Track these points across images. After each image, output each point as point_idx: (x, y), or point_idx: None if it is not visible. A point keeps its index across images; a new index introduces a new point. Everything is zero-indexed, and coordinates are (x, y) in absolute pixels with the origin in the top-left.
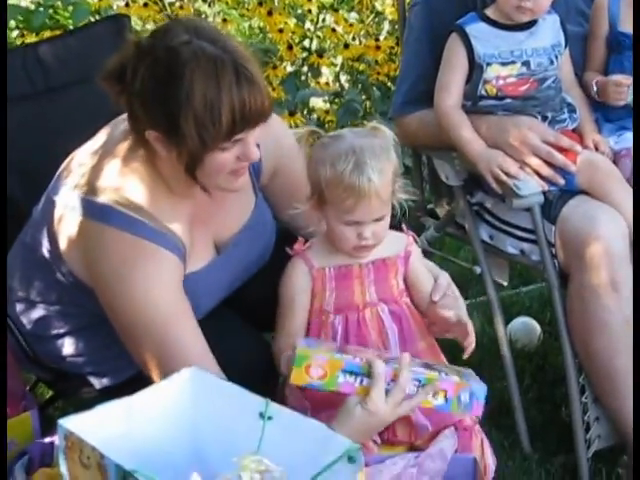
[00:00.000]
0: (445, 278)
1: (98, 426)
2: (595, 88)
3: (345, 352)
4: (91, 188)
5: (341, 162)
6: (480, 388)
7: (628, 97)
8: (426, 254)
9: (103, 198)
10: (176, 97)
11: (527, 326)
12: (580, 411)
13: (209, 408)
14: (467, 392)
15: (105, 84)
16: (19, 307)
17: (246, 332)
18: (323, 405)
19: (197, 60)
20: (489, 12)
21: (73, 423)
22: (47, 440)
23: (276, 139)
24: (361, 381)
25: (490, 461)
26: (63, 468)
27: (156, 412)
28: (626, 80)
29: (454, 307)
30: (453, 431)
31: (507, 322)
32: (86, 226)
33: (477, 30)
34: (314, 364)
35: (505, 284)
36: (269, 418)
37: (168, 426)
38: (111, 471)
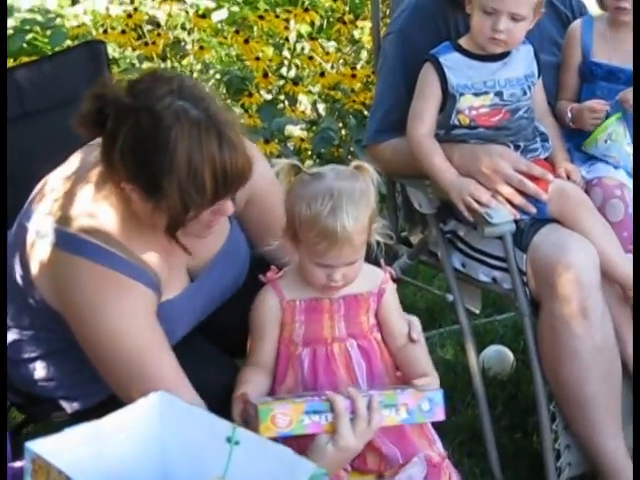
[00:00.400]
0: (417, 320)
1: (66, 449)
2: (570, 115)
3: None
4: (63, 216)
5: (317, 204)
6: (436, 393)
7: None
8: (399, 282)
9: (75, 228)
10: (159, 162)
11: (500, 354)
12: (551, 439)
13: (177, 431)
14: (425, 400)
15: (81, 130)
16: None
17: (220, 360)
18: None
19: (181, 126)
20: (463, 42)
21: (40, 446)
22: (17, 465)
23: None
24: (326, 418)
25: None
26: None
27: (125, 435)
28: (601, 106)
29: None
30: (422, 458)
31: (480, 350)
32: (57, 256)
33: (450, 60)
34: (278, 413)
35: (477, 312)
36: (236, 443)
37: (137, 448)
38: None
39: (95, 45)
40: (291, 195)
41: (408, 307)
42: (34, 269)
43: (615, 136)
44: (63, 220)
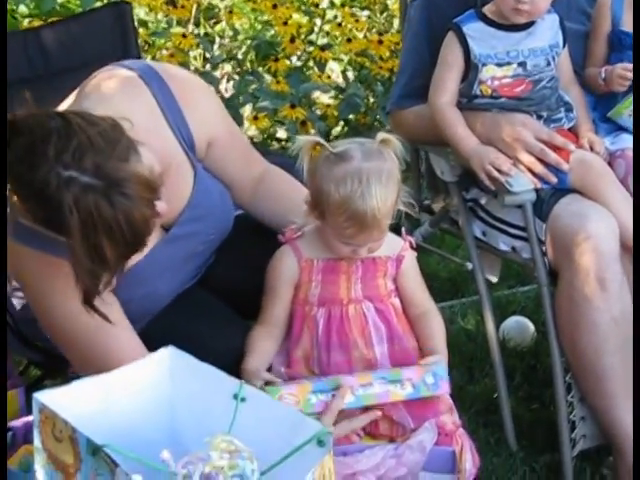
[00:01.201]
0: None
1: (74, 401)
2: (604, 75)
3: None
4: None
5: (347, 188)
6: (440, 367)
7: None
8: (420, 249)
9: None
10: (62, 237)
11: (520, 325)
12: (566, 410)
13: (186, 387)
14: (430, 374)
15: None
16: (9, 289)
17: (235, 322)
18: None
19: (70, 210)
20: (487, 10)
21: (48, 397)
22: (30, 418)
23: (205, 110)
24: (333, 396)
25: (468, 466)
26: (37, 441)
27: (133, 389)
28: (629, 72)
29: None
30: (433, 424)
31: (502, 321)
32: (11, 245)
33: (474, 29)
34: (285, 393)
35: (495, 280)
36: (242, 400)
37: (145, 404)
38: (82, 445)
39: (121, 6)
40: (317, 174)
41: (431, 276)
42: None
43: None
44: (16, 209)
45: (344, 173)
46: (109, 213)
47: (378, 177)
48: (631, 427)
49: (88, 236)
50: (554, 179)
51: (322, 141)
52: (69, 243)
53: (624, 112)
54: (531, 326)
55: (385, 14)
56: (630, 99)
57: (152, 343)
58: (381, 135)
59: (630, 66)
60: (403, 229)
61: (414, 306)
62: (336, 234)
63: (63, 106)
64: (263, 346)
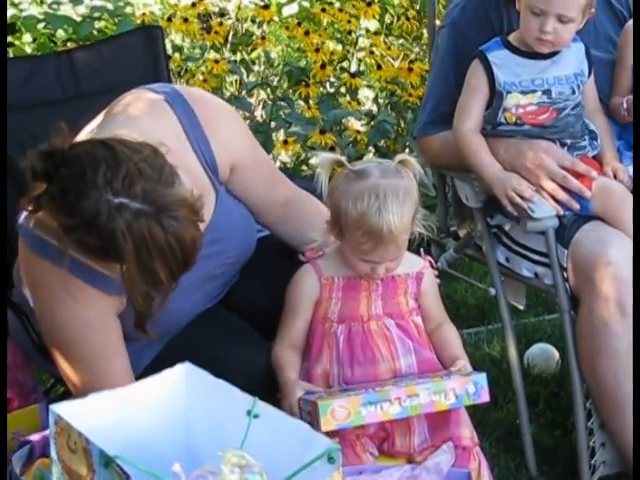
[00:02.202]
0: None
1: (90, 413)
2: (626, 105)
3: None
4: (35, 216)
5: (364, 204)
6: (481, 376)
7: None
8: (444, 275)
9: (43, 230)
10: (115, 263)
11: (545, 352)
12: (586, 436)
13: (201, 402)
14: (471, 383)
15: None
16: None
17: (257, 342)
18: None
19: (123, 234)
20: (512, 38)
21: (64, 409)
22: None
23: (228, 134)
24: (381, 407)
25: None
26: (53, 452)
27: (149, 404)
28: None
29: None
30: (451, 446)
31: (528, 348)
32: (24, 255)
33: (499, 57)
34: (337, 407)
35: (521, 307)
36: (255, 416)
37: (160, 418)
38: (95, 456)
39: (153, 30)
40: (336, 192)
41: (458, 302)
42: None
43: None
44: (35, 219)
45: (361, 189)
46: (161, 237)
47: (395, 193)
48: None
49: (142, 260)
50: (576, 206)
51: (342, 159)
52: (123, 269)
53: None
54: (556, 353)
55: (420, 42)
56: None
57: (173, 362)
58: (400, 156)
59: None
60: (422, 250)
61: (430, 321)
62: (354, 250)
63: (90, 127)
64: (293, 360)
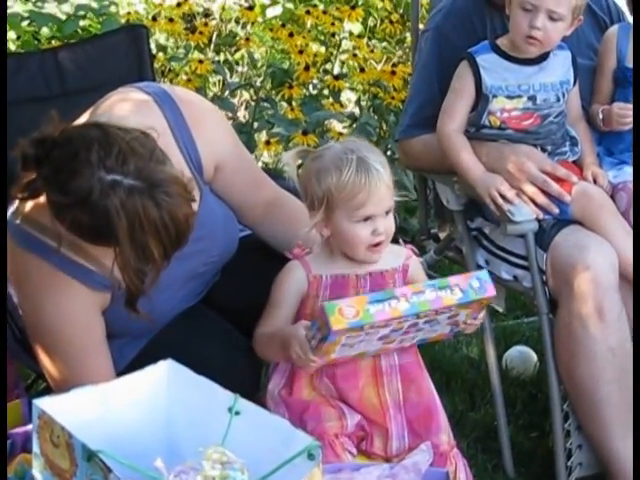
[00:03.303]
0: None
1: (73, 408)
2: (601, 116)
3: None
4: (22, 211)
5: (344, 165)
6: (482, 272)
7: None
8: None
9: (30, 224)
10: (107, 244)
11: (523, 355)
12: (562, 438)
13: (183, 399)
14: (475, 278)
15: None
16: (16, 299)
17: (237, 342)
18: (300, 412)
19: (115, 209)
20: (500, 43)
21: (47, 403)
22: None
23: (214, 134)
24: (389, 304)
25: None
26: (35, 446)
27: (132, 399)
28: (626, 111)
29: None
30: (429, 445)
31: (506, 350)
32: (12, 249)
33: (487, 61)
34: (344, 306)
35: (501, 310)
36: (237, 413)
37: (143, 414)
38: (77, 450)
39: (137, 30)
40: (312, 172)
41: None
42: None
43: None
44: (22, 215)
45: (336, 156)
46: (155, 213)
47: (365, 146)
48: (625, 456)
49: (136, 237)
50: (556, 210)
51: (303, 147)
52: (115, 245)
53: None
54: (534, 356)
55: (403, 46)
56: None
57: (153, 358)
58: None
59: (628, 105)
60: (401, 240)
61: None
62: (349, 215)
63: (77, 123)
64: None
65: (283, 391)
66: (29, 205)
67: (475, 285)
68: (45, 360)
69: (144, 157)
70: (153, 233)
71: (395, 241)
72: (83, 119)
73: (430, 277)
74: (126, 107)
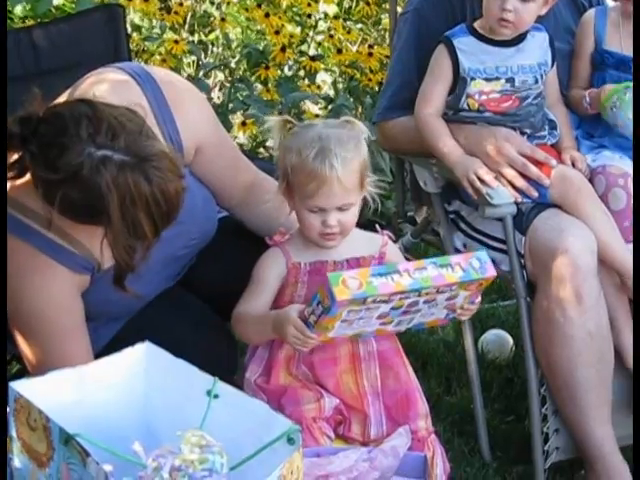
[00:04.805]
0: None
1: (49, 392)
2: (588, 99)
3: None
4: (9, 194)
5: (306, 149)
6: (481, 253)
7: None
8: None
9: (16, 208)
10: (100, 221)
11: (500, 339)
12: (540, 422)
13: (160, 382)
14: (475, 258)
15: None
16: None
17: (214, 324)
18: (278, 397)
19: (108, 188)
20: (478, 25)
21: (24, 386)
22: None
23: (195, 116)
24: (392, 278)
25: (438, 471)
26: (12, 430)
27: (109, 382)
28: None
29: None
30: (407, 430)
31: (482, 334)
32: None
33: (464, 43)
34: (347, 277)
35: None
36: (215, 396)
37: (120, 397)
38: (55, 434)
39: (113, 8)
40: (282, 146)
41: None
42: None
43: (619, 103)
44: (9, 199)
45: (305, 138)
46: (146, 188)
47: (337, 137)
48: (601, 440)
49: (126, 212)
50: (535, 193)
51: (290, 118)
52: (106, 221)
53: (607, 105)
54: (510, 340)
55: (379, 27)
56: (612, 91)
57: (130, 341)
58: (344, 117)
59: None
60: (377, 226)
61: None
62: (302, 199)
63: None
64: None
65: (260, 379)
66: (13, 187)
67: (476, 265)
68: (23, 342)
69: (134, 132)
70: (144, 208)
71: (372, 226)
72: (62, 99)
73: (408, 261)
74: (105, 87)
